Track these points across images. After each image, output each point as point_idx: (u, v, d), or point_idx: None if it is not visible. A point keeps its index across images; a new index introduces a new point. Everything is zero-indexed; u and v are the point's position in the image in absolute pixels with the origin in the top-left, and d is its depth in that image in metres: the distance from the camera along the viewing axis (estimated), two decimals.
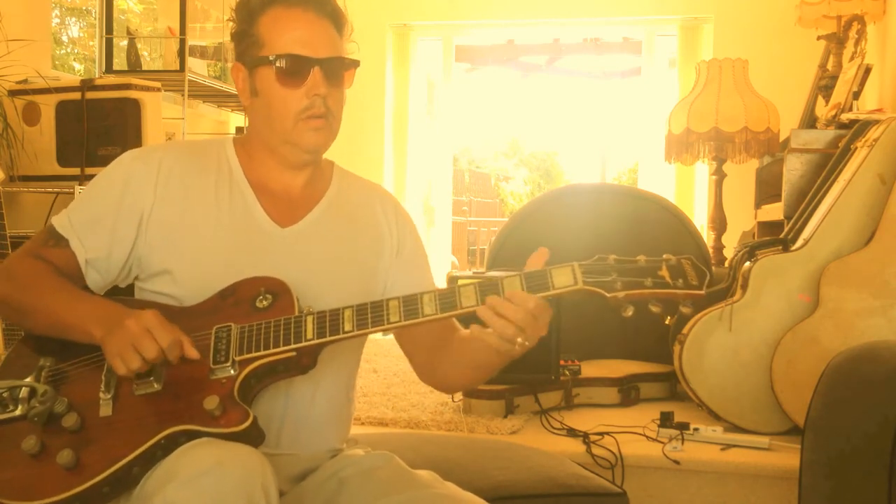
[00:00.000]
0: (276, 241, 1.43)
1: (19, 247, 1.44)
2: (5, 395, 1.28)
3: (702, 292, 1.20)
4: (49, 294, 1.34)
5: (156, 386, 1.25)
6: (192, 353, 1.25)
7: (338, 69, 1.42)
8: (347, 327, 1.24)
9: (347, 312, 1.25)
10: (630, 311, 1.21)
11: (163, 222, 1.40)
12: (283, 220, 1.45)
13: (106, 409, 1.25)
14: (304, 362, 1.27)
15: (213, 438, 1.18)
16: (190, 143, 1.57)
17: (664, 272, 1.21)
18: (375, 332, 1.26)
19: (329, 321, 1.25)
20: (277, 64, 1.38)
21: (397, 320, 1.24)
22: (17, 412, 1.26)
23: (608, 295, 1.20)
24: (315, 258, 1.44)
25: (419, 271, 1.55)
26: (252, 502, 1.11)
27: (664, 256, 1.22)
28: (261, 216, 1.44)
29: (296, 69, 1.38)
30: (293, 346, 1.25)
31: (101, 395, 1.26)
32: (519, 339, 1.23)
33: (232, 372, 1.24)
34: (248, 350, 1.26)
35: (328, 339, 1.25)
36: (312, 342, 1.25)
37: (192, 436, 1.19)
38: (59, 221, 1.43)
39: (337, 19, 1.43)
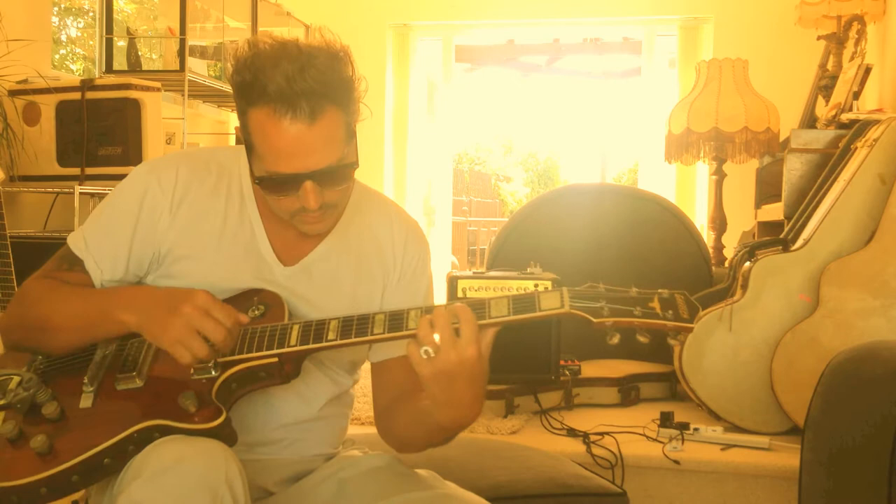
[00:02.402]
0: (277, 277, 1.39)
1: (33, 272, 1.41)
2: None
3: (691, 326, 1.17)
4: (65, 299, 1.31)
5: (138, 382, 1.26)
6: (244, 317, 1.25)
7: (335, 175, 1.27)
8: (331, 336, 1.24)
9: (333, 323, 1.25)
10: (616, 339, 1.19)
11: (172, 245, 1.37)
12: (288, 256, 1.41)
13: (86, 401, 1.26)
14: (286, 369, 1.26)
15: (181, 435, 1.18)
16: (208, 157, 1.43)
17: (654, 304, 1.18)
18: (358, 343, 1.24)
19: (314, 330, 1.25)
20: (264, 184, 1.27)
21: (381, 332, 1.23)
22: (3, 401, 1.27)
23: (594, 320, 1.18)
24: (312, 296, 1.40)
25: (412, 298, 1.48)
26: (216, 496, 1.10)
27: (658, 290, 1.20)
28: (266, 250, 1.40)
29: (284, 184, 1.25)
30: (276, 350, 1.24)
31: (85, 386, 1.27)
32: (425, 348, 1.18)
33: (213, 373, 1.24)
34: (230, 353, 1.26)
35: (311, 346, 1.24)
36: (295, 348, 1.24)
37: (164, 431, 1.19)
38: (74, 241, 1.39)
39: (339, 98, 1.24)
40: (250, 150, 1.28)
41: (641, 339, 1.19)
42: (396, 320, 1.23)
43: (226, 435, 1.21)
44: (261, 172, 1.27)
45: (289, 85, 1.19)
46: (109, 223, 1.39)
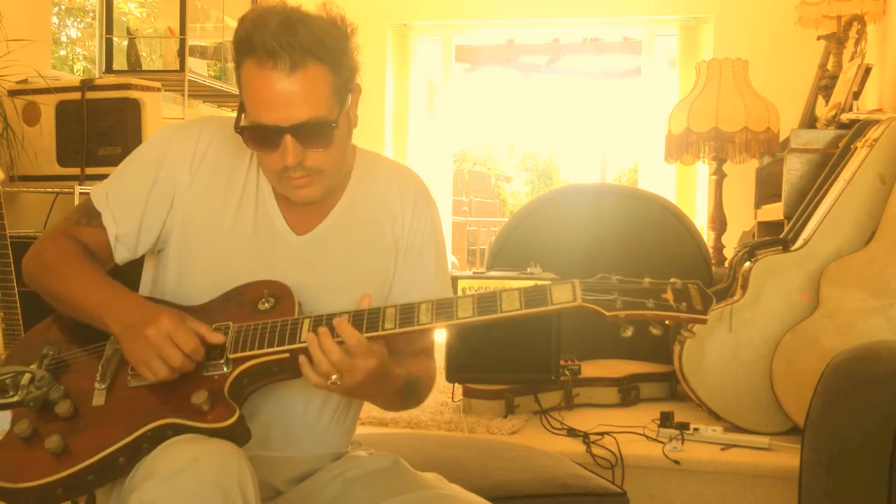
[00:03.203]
0: (291, 248, 1.41)
1: (55, 224, 1.44)
2: (7, 380, 1.30)
3: (705, 318, 1.17)
4: (71, 278, 1.34)
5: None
6: (215, 338, 1.26)
7: (316, 131, 1.29)
8: None
9: (344, 318, 1.25)
10: (629, 332, 1.18)
11: (188, 208, 1.40)
12: (300, 227, 1.43)
13: (99, 399, 1.27)
14: (297, 365, 1.27)
15: (194, 435, 1.19)
16: (230, 126, 1.42)
17: (668, 295, 1.18)
18: (370, 337, 1.25)
19: (325, 325, 1.25)
20: (246, 134, 1.31)
21: (392, 327, 1.24)
22: (16, 398, 1.28)
23: (608, 314, 1.18)
24: (327, 266, 1.42)
25: (421, 270, 1.50)
26: (228, 499, 1.11)
27: (671, 280, 1.20)
28: (279, 221, 1.42)
29: (265, 137, 1.29)
30: (287, 346, 1.25)
31: (97, 384, 1.27)
32: (333, 377, 1.22)
33: (225, 369, 1.25)
34: (242, 349, 1.26)
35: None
36: (306, 344, 1.25)
37: (178, 430, 1.20)
38: (96, 195, 1.42)
39: (323, 56, 1.27)
40: (241, 107, 1.32)
41: (654, 330, 1.18)
42: (407, 314, 1.24)
43: (240, 433, 1.21)
44: (245, 123, 1.31)
45: (274, 38, 1.24)
46: (129, 178, 1.42)
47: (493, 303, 1.21)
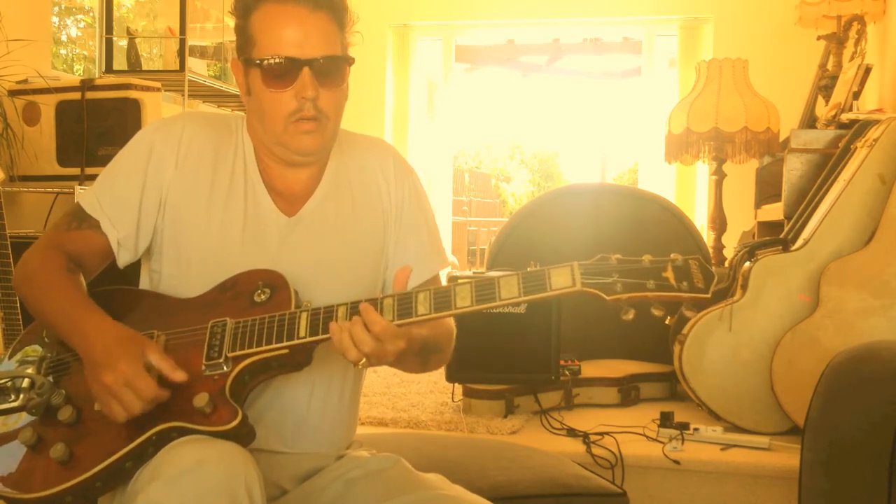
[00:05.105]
0: (283, 231, 1.42)
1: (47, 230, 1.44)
2: (8, 384, 1.29)
3: (707, 295, 1.16)
4: (45, 293, 1.33)
5: None
6: (177, 376, 1.22)
7: (331, 69, 1.36)
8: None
9: (341, 310, 1.25)
10: (631, 315, 1.17)
11: (177, 201, 1.40)
12: (290, 208, 1.44)
13: None
14: (297, 359, 1.27)
15: (200, 436, 1.19)
16: (213, 119, 1.49)
17: (668, 273, 1.17)
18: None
19: (322, 318, 1.25)
20: (265, 65, 1.34)
21: (391, 319, 1.23)
22: (17, 403, 1.28)
23: (608, 298, 1.16)
24: (320, 247, 1.43)
25: (415, 240, 1.52)
26: (235, 500, 1.11)
27: (671, 256, 1.19)
28: (269, 206, 1.42)
29: (283, 71, 1.33)
30: (286, 343, 1.25)
31: None
32: (362, 363, 1.23)
33: (225, 368, 1.25)
34: (241, 346, 1.26)
35: (320, 336, 1.25)
36: (305, 340, 1.25)
37: (182, 432, 1.20)
38: (88, 202, 1.42)
39: (336, 10, 1.37)
40: (251, 51, 1.36)
41: (656, 312, 1.17)
42: (405, 304, 1.24)
43: (244, 434, 1.21)
44: (263, 56, 1.34)
45: None
46: (120, 180, 1.42)
47: (491, 290, 1.21)
